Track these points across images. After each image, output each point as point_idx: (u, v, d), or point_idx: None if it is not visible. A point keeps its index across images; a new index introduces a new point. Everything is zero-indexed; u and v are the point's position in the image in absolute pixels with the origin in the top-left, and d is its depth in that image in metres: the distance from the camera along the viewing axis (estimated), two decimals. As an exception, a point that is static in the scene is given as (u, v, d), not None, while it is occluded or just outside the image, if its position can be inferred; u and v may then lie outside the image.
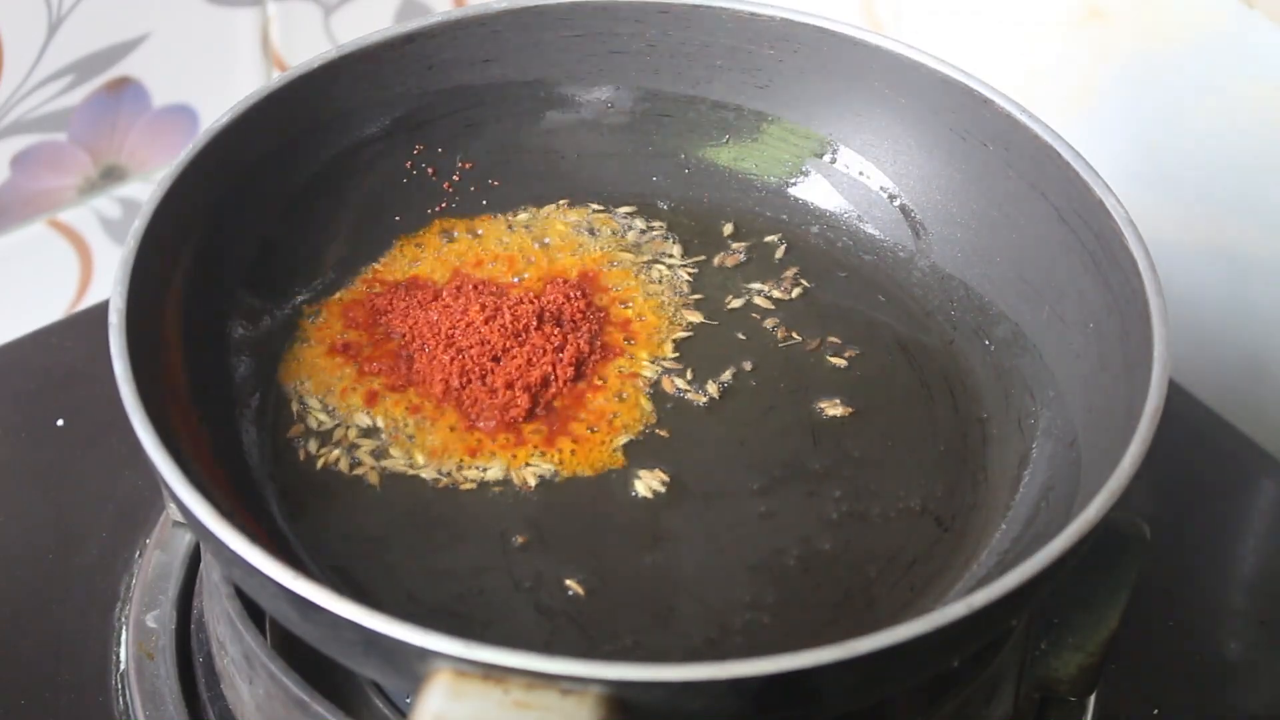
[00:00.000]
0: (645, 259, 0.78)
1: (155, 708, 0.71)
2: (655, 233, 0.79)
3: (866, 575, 0.65)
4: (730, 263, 0.78)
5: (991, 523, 0.68)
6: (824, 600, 0.65)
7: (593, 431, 0.70)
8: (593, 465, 0.69)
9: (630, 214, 0.80)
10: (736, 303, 0.76)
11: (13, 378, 0.87)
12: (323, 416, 0.70)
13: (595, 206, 0.80)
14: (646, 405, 0.71)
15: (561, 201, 0.80)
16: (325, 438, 0.69)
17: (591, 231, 0.79)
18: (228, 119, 0.71)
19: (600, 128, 0.81)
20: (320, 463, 0.68)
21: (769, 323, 0.76)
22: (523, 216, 0.79)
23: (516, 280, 0.76)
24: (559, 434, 0.70)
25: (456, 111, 0.79)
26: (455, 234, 0.78)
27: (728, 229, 0.80)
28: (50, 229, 1.09)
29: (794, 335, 0.75)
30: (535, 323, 0.72)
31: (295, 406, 0.70)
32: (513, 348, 0.71)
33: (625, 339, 0.74)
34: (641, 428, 0.70)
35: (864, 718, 0.59)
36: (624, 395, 0.72)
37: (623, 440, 0.70)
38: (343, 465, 0.68)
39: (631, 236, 0.79)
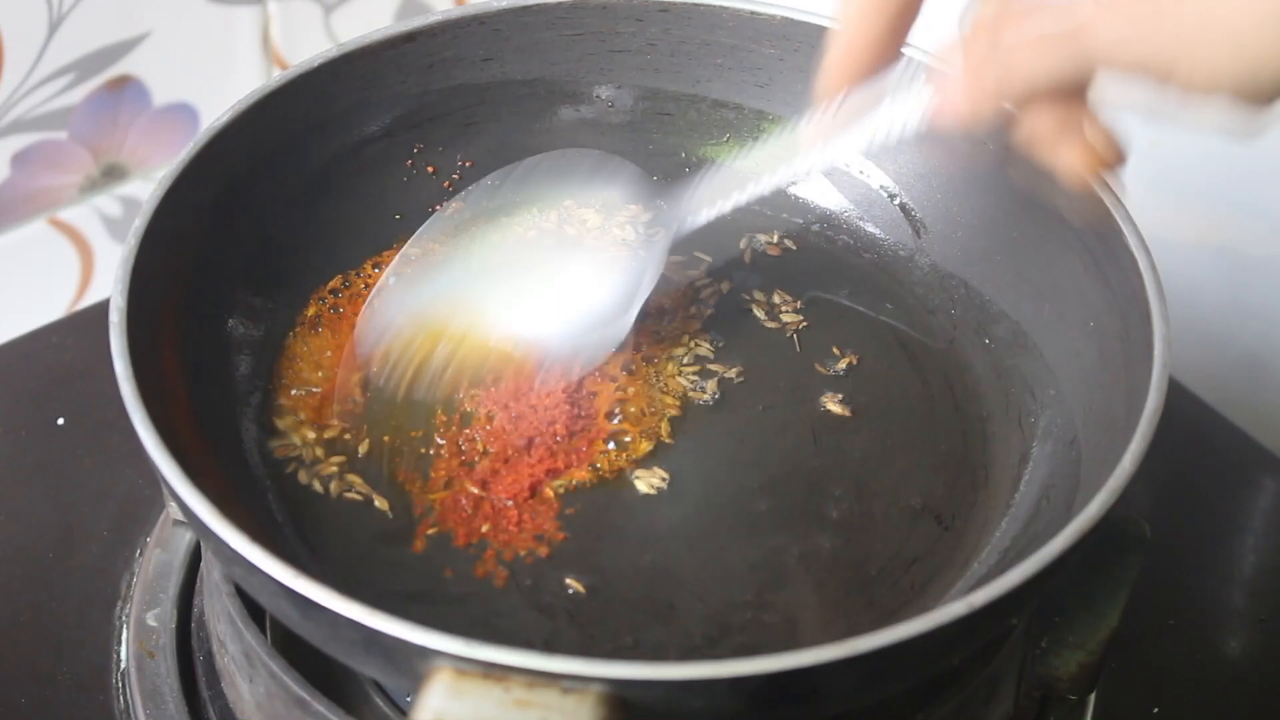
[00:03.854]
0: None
1: (156, 706, 0.71)
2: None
3: (866, 574, 0.65)
4: (731, 261, 0.78)
5: (992, 521, 0.68)
6: (824, 599, 0.65)
7: (604, 448, 0.69)
8: (599, 468, 0.69)
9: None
10: (737, 301, 0.76)
11: (13, 376, 0.87)
12: (321, 424, 0.69)
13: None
14: (661, 406, 0.71)
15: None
16: (323, 446, 0.69)
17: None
18: (228, 117, 0.71)
19: (601, 126, 0.81)
20: (316, 482, 0.68)
21: (769, 322, 0.76)
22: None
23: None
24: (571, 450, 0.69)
25: (457, 110, 0.79)
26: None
27: (728, 227, 0.80)
28: (51, 227, 1.09)
29: (794, 334, 0.75)
30: None
31: (293, 409, 0.70)
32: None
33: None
34: (652, 430, 0.70)
35: (864, 716, 0.59)
36: (630, 392, 0.71)
37: (640, 448, 0.69)
38: (338, 482, 0.68)
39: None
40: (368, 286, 0.75)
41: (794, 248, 0.79)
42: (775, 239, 0.79)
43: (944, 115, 0.60)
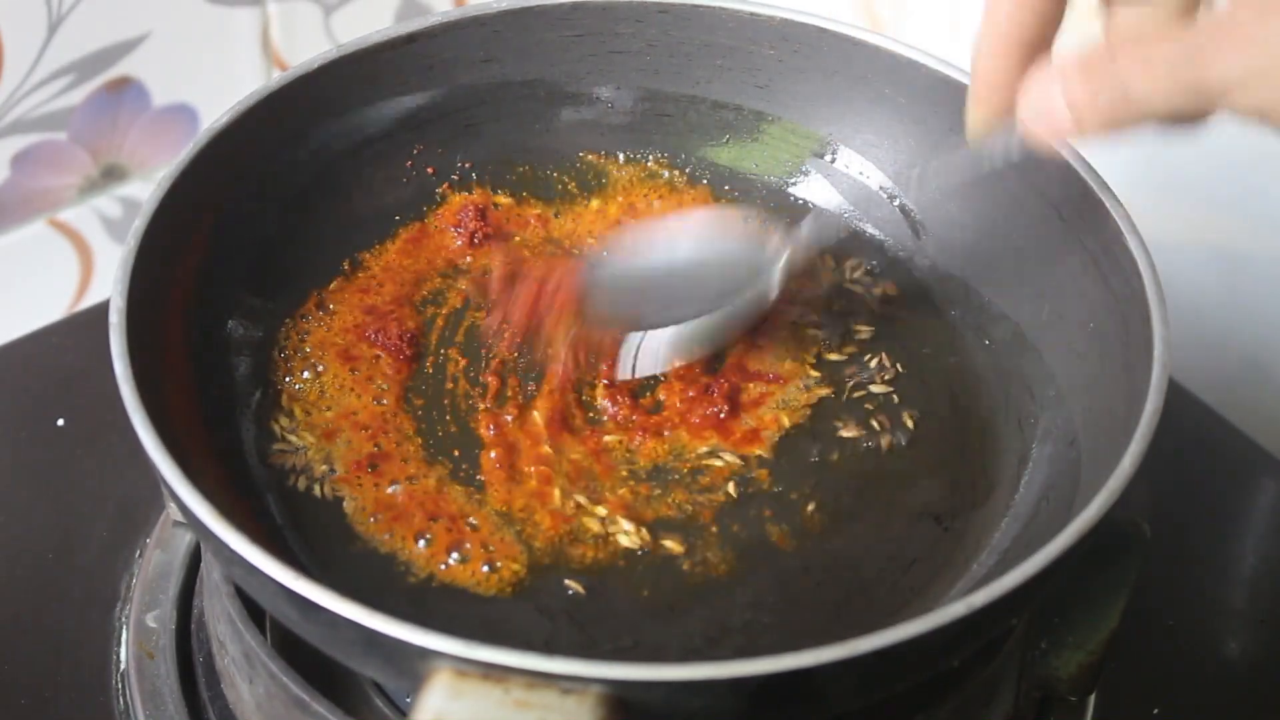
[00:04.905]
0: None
1: (155, 707, 0.71)
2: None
3: (866, 574, 0.65)
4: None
5: (992, 522, 0.68)
6: (824, 599, 0.65)
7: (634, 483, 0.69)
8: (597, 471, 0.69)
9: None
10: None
11: (13, 377, 0.87)
12: (320, 425, 0.69)
13: (591, 207, 0.80)
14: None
15: (559, 203, 0.80)
16: (323, 447, 0.69)
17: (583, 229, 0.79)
18: (228, 118, 0.71)
19: (600, 127, 0.81)
20: (315, 484, 0.67)
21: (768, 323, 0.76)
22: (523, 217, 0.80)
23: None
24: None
25: (456, 111, 0.79)
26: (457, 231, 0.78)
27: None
28: (51, 228, 1.09)
29: (792, 334, 0.75)
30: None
31: (293, 410, 0.70)
32: None
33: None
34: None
35: (864, 716, 0.59)
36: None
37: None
38: (334, 485, 0.68)
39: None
40: (368, 287, 0.75)
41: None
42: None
43: (1048, 133, 0.58)
